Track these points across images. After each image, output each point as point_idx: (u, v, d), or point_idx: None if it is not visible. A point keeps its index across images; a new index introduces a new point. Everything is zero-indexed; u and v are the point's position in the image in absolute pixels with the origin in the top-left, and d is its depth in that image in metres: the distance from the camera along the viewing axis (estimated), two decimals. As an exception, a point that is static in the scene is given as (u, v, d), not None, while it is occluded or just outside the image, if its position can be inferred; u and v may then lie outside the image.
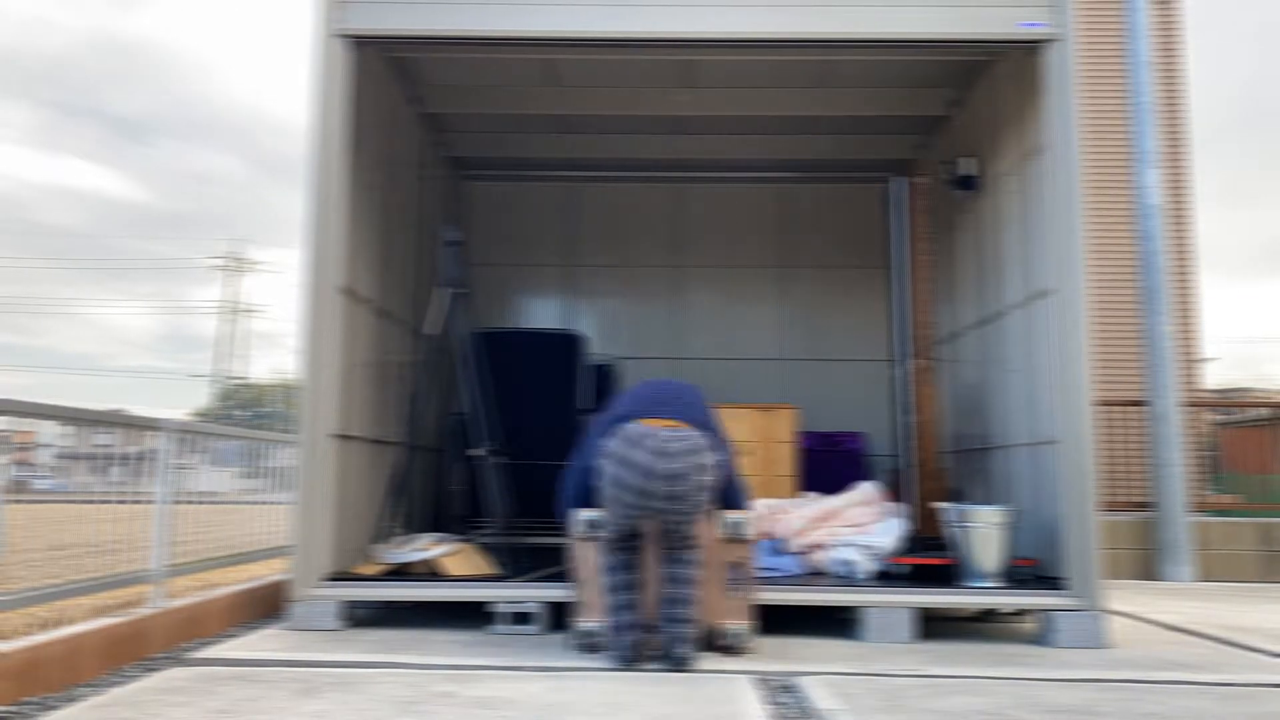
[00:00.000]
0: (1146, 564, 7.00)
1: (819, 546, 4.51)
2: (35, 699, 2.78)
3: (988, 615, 4.66)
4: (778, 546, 4.57)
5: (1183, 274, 8.51)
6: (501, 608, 4.04)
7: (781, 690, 3.05)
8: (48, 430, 3.74)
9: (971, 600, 4.18)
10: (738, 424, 5.87)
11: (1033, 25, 4.22)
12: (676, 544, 3.40)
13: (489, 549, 4.72)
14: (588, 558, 3.64)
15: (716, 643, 3.61)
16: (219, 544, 4.53)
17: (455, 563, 4.40)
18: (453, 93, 6.01)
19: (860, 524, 4.52)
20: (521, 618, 4.02)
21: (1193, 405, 8.09)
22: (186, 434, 4.08)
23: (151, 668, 3.26)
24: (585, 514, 3.63)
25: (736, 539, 3.68)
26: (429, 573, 4.34)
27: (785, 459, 5.93)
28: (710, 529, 3.63)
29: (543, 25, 4.27)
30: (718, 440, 3.55)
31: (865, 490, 4.71)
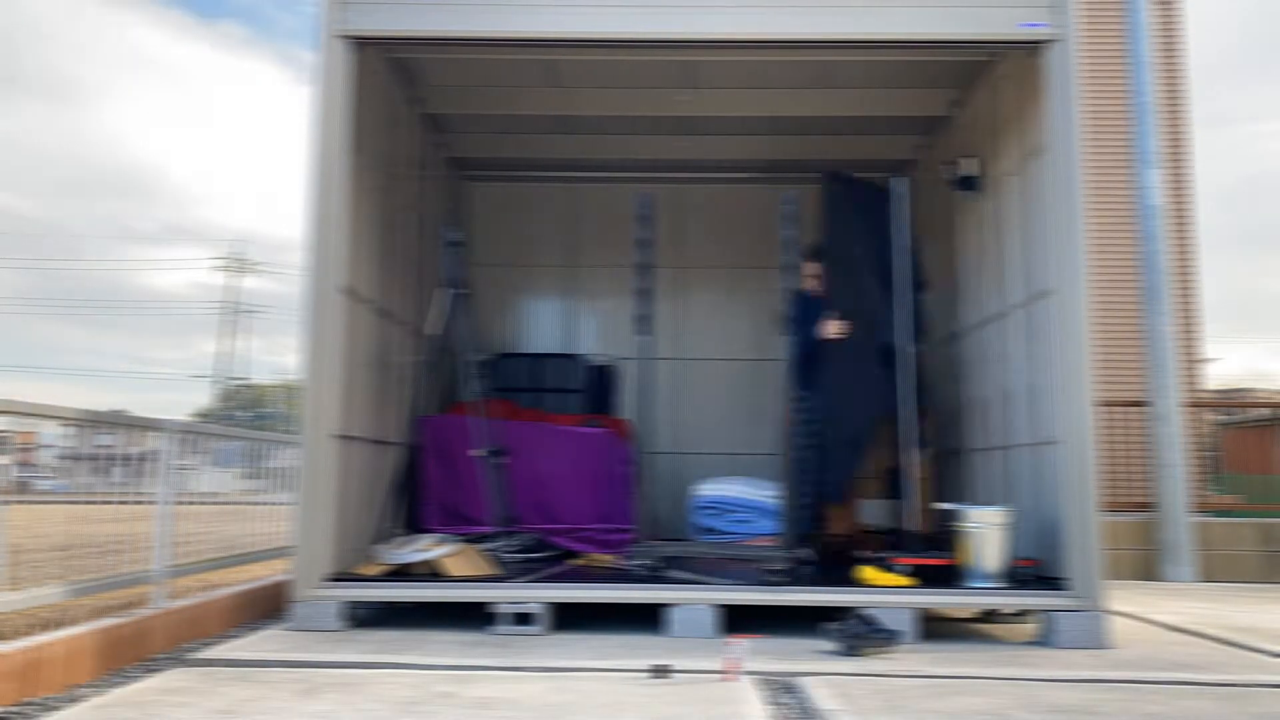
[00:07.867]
0: (1148, 564, 7.00)
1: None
2: (37, 699, 2.79)
3: (989, 616, 4.65)
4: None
5: (1184, 274, 8.50)
6: (503, 608, 4.04)
7: (783, 690, 3.05)
8: (49, 431, 3.75)
9: (973, 600, 4.18)
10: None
11: (1034, 26, 4.22)
12: None
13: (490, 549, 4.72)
14: None
15: None
16: (220, 545, 4.53)
17: (456, 563, 4.41)
18: (453, 93, 6.01)
19: None
20: (523, 618, 4.02)
21: (1194, 405, 8.09)
22: (188, 435, 4.08)
23: (153, 668, 3.26)
24: None
25: None
26: (430, 573, 4.34)
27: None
28: None
29: (543, 26, 4.27)
30: None
31: None
